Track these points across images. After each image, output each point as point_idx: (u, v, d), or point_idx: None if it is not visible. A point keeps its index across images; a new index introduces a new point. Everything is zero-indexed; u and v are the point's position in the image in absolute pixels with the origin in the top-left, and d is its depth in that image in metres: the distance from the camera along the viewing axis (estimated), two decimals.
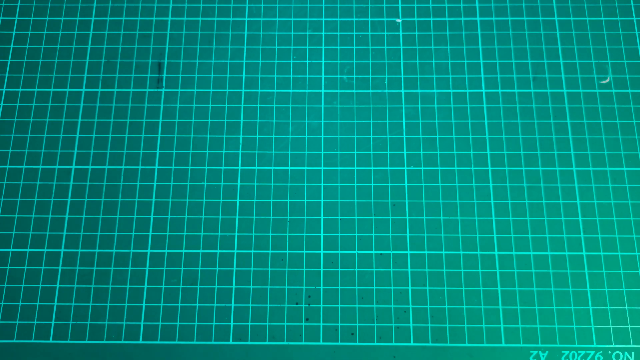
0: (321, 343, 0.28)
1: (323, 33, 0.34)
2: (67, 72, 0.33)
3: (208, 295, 0.29)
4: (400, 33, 0.34)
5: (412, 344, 0.28)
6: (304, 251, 0.30)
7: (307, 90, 0.32)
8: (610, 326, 0.28)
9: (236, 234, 0.30)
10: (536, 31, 0.34)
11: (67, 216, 0.30)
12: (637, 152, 0.31)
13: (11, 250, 0.30)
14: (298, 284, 0.29)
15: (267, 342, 0.28)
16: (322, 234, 0.30)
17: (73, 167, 0.31)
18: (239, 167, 0.31)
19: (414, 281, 0.29)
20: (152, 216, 0.30)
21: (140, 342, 0.28)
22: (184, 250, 0.30)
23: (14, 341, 0.28)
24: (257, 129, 0.32)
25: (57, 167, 0.31)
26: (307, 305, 0.29)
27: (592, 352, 0.28)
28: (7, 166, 0.31)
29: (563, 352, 0.28)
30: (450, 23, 0.34)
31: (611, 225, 0.30)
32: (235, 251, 0.30)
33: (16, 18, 0.34)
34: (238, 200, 0.30)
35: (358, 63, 0.33)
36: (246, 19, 0.34)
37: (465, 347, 0.28)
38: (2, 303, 0.29)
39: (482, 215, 0.30)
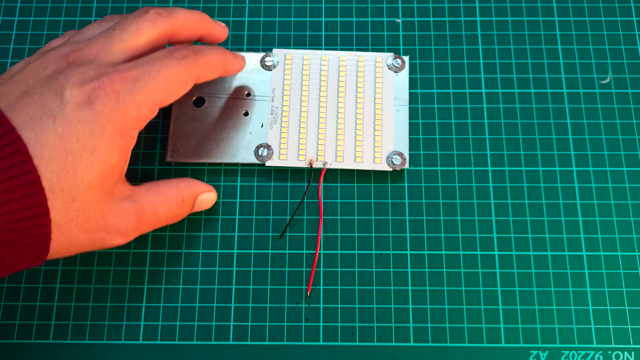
0: (321, 343, 0.28)
1: (323, 33, 0.34)
2: None
3: (208, 295, 0.29)
4: (400, 33, 0.34)
5: (412, 344, 0.28)
6: (304, 251, 0.30)
7: None
8: (610, 326, 0.28)
9: (236, 234, 0.30)
10: (536, 31, 0.34)
11: None
12: (637, 152, 0.31)
13: None
14: (298, 284, 0.29)
15: (267, 342, 0.28)
16: (322, 234, 0.30)
17: None
18: (239, 167, 0.31)
19: (414, 281, 0.29)
20: None
21: (140, 342, 0.28)
22: (184, 250, 0.30)
23: (14, 341, 0.28)
24: None
25: None
26: (307, 305, 0.29)
27: (592, 352, 0.28)
28: None
29: (563, 352, 0.28)
30: (450, 23, 0.34)
31: (611, 225, 0.30)
32: (235, 251, 0.30)
33: (16, 18, 0.34)
34: (238, 200, 0.30)
35: None
36: (246, 19, 0.34)
37: (465, 347, 0.28)
38: (2, 303, 0.29)
39: (482, 215, 0.30)
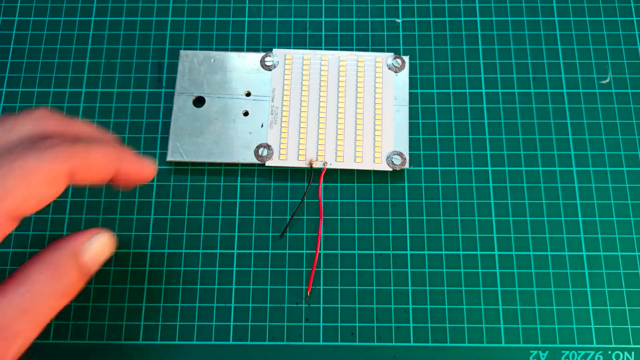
0: (321, 343, 0.28)
1: (323, 33, 0.34)
2: (67, 72, 0.33)
3: (208, 295, 0.29)
4: (400, 33, 0.34)
5: (412, 344, 0.28)
6: (304, 251, 0.30)
7: None
8: (610, 326, 0.28)
9: (236, 234, 0.30)
10: (536, 31, 0.34)
11: (67, 216, 0.30)
12: (637, 152, 0.31)
13: (11, 250, 0.30)
14: (298, 284, 0.29)
15: (267, 342, 0.28)
16: (322, 234, 0.30)
17: None
18: (239, 167, 0.31)
19: (414, 281, 0.29)
20: (152, 216, 0.30)
21: (140, 342, 0.28)
22: (184, 250, 0.30)
23: None
24: None
25: None
26: (307, 305, 0.29)
27: (592, 352, 0.28)
28: None
29: (563, 352, 0.28)
30: (450, 23, 0.34)
31: (611, 225, 0.30)
32: (235, 251, 0.30)
33: (16, 18, 0.34)
34: (238, 200, 0.30)
35: None
36: (246, 19, 0.34)
37: (465, 347, 0.28)
38: None
39: (482, 215, 0.30)
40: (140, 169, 0.21)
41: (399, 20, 0.34)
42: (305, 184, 0.31)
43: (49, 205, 0.30)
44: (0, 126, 0.19)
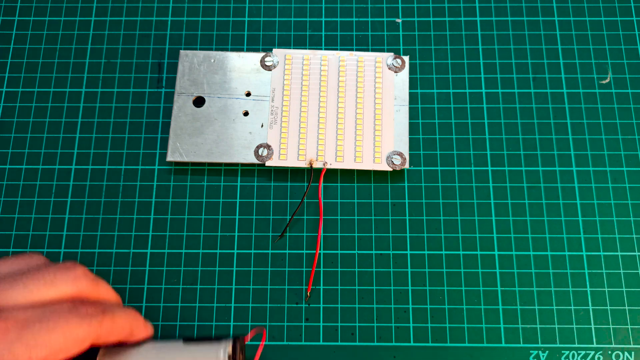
0: (321, 343, 0.28)
1: (323, 33, 0.34)
2: (67, 72, 0.33)
3: (208, 295, 0.29)
4: (400, 33, 0.34)
5: (412, 344, 0.28)
6: (304, 251, 0.30)
7: None
8: (610, 326, 0.28)
9: (236, 234, 0.30)
10: (536, 31, 0.34)
11: (67, 216, 0.30)
12: (637, 152, 0.31)
13: (11, 250, 0.30)
14: (298, 284, 0.29)
15: (267, 342, 0.28)
16: (322, 234, 0.30)
17: (73, 167, 0.31)
18: (239, 168, 0.31)
19: (414, 281, 0.29)
20: (152, 216, 0.30)
21: None
22: (184, 250, 0.30)
23: None
24: None
25: (57, 167, 0.31)
26: (307, 305, 0.29)
27: (592, 352, 0.28)
28: (7, 166, 0.31)
29: (563, 352, 0.28)
30: (450, 23, 0.34)
31: (611, 225, 0.30)
32: (235, 251, 0.30)
33: (16, 18, 0.34)
34: (238, 200, 0.30)
35: None
36: (246, 19, 0.34)
37: (465, 347, 0.28)
38: None
39: (482, 215, 0.30)
40: (147, 331, 0.25)
41: (399, 20, 0.34)
42: (305, 184, 0.31)
43: (48, 205, 0.30)
44: (39, 278, 0.22)
